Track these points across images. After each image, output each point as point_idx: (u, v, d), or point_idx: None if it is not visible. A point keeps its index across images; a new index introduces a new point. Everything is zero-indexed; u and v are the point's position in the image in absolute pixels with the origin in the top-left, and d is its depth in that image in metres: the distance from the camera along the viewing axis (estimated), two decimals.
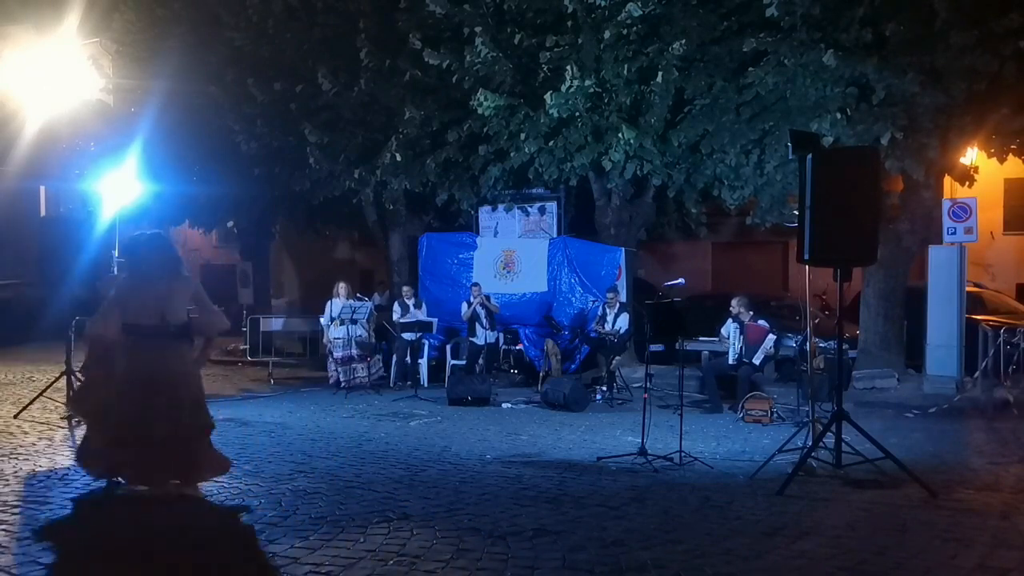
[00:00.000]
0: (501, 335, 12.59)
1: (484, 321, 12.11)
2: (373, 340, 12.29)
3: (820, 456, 6.14)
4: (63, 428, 8.11)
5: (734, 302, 10.02)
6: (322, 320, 12.14)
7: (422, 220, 15.35)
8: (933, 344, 10.75)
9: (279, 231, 20.56)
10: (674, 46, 10.05)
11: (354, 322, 11.72)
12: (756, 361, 9.75)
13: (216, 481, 5.56)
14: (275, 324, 15.07)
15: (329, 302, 12.02)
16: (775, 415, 8.96)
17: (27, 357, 14.75)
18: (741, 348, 9.83)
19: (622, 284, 12.52)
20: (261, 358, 13.90)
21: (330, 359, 11.91)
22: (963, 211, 10.69)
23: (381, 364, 12.30)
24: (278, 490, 5.58)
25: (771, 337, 9.79)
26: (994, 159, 10.77)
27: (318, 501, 5.31)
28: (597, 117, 11.07)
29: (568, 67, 10.43)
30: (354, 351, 11.73)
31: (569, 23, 10.63)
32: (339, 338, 11.75)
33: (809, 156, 5.88)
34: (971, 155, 11.71)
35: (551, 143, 11.42)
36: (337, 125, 12.67)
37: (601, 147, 11.32)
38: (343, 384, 11.44)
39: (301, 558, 4.16)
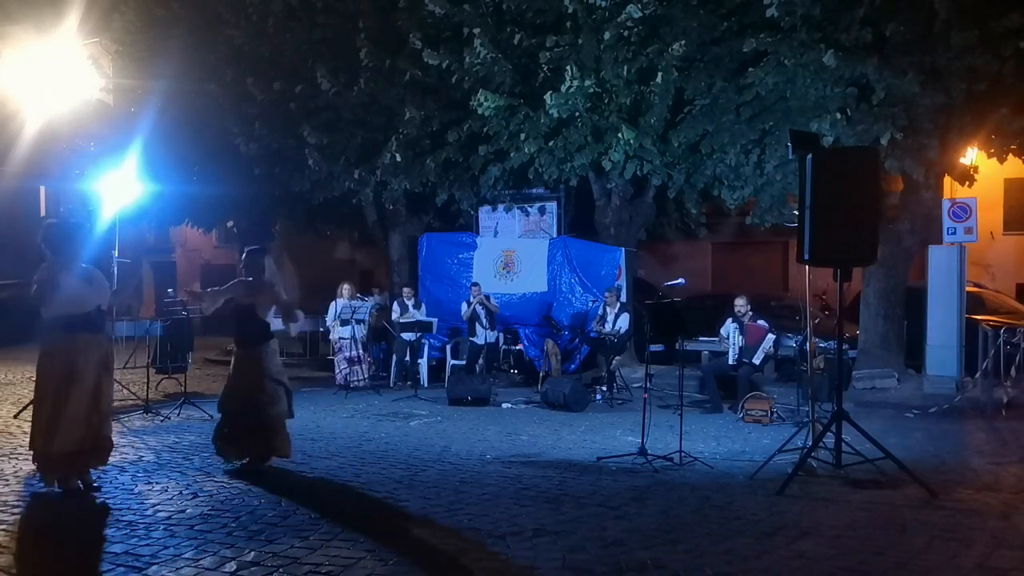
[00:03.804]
0: (501, 335, 12.60)
1: (484, 321, 12.12)
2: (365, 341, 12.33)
3: (820, 456, 6.14)
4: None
5: (739, 302, 10.00)
6: (327, 320, 12.22)
7: (422, 220, 15.35)
8: (933, 344, 10.75)
9: (279, 231, 20.55)
10: (674, 47, 10.05)
11: (358, 322, 11.74)
12: (756, 361, 9.75)
13: (216, 481, 5.56)
14: (275, 324, 15.04)
15: (333, 302, 12.06)
16: (775, 415, 8.96)
17: (27, 357, 14.64)
18: (741, 348, 9.82)
19: (622, 284, 12.53)
20: None
21: (337, 359, 11.95)
22: (963, 211, 10.69)
23: (371, 363, 12.32)
24: (278, 490, 5.58)
25: (771, 337, 9.78)
26: (994, 159, 10.76)
27: (318, 501, 5.31)
28: (597, 117, 11.07)
29: (568, 67, 10.43)
30: (358, 352, 11.76)
31: (569, 23, 10.63)
32: (345, 338, 11.80)
33: (809, 156, 5.88)
34: (971, 155, 11.70)
35: (551, 143, 11.42)
36: (337, 125, 12.66)
37: (601, 147, 11.32)
38: (350, 384, 11.47)
39: (301, 558, 4.16)
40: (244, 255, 6.62)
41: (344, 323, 11.74)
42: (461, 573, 4.00)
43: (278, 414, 6.29)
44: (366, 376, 11.74)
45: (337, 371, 11.90)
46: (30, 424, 5.64)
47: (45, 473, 5.48)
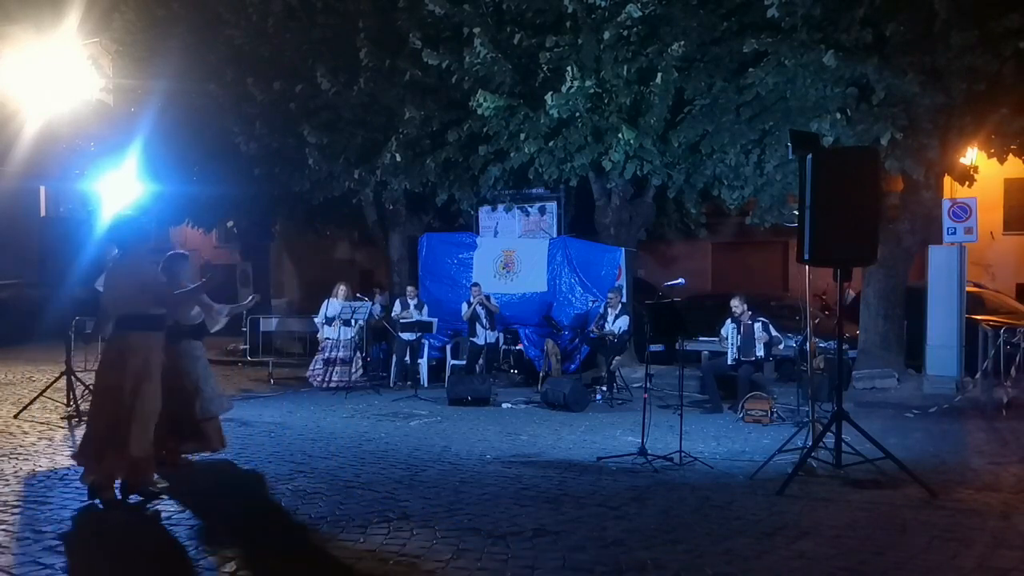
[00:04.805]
0: (501, 335, 12.60)
1: (484, 321, 12.11)
2: (359, 341, 12.34)
3: (820, 456, 6.15)
4: (63, 428, 8.12)
5: (735, 302, 10.00)
6: (316, 319, 12.22)
7: (422, 220, 15.35)
8: (933, 344, 10.75)
9: (279, 231, 20.55)
10: (674, 47, 10.05)
11: (350, 324, 11.74)
12: (759, 354, 9.73)
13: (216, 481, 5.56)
14: (275, 324, 15.10)
15: (326, 302, 12.05)
16: (775, 415, 8.96)
17: (27, 357, 14.75)
18: (739, 348, 9.82)
19: (622, 284, 12.53)
20: (261, 358, 13.91)
21: (315, 358, 11.96)
22: (963, 211, 10.69)
23: (361, 365, 12.32)
24: (278, 490, 5.59)
25: (758, 326, 9.76)
26: (994, 159, 10.76)
27: (318, 501, 5.32)
28: (597, 117, 11.06)
29: (568, 67, 10.43)
30: (341, 353, 11.77)
31: (569, 23, 10.63)
32: (329, 339, 11.82)
33: (809, 156, 5.88)
34: (971, 155, 11.70)
35: (551, 143, 11.42)
36: (337, 125, 12.66)
37: (601, 147, 11.32)
38: (326, 384, 11.50)
39: (300, 558, 4.16)
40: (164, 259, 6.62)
41: (346, 323, 11.74)
42: (461, 573, 4.00)
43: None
44: (348, 379, 11.65)
45: (310, 370, 11.90)
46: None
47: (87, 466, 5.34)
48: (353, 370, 11.90)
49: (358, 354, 12.19)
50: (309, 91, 12.51)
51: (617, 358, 11.14)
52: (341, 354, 11.83)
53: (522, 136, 11.31)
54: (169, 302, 5.56)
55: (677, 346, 7.73)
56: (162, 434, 6.05)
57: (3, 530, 4.63)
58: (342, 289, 12.09)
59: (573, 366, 12.26)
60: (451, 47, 11.26)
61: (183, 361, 6.34)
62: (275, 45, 13.02)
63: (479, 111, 10.97)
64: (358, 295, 12.59)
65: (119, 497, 5.26)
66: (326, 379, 11.68)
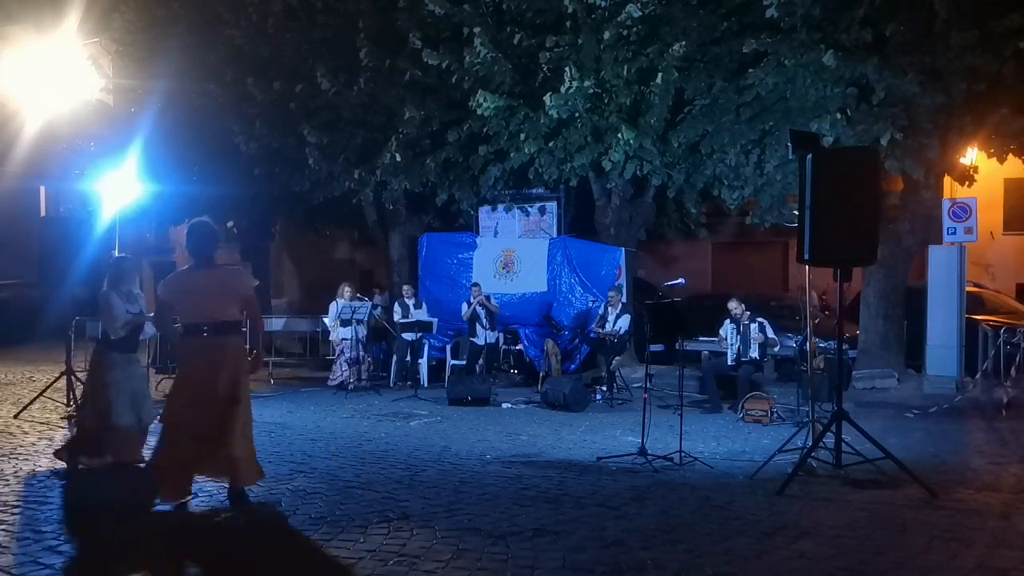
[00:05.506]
0: (501, 335, 12.60)
1: (484, 321, 12.12)
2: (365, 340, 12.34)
3: (820, 456, 6.14)
4: (63, 428, 8.12)
5: (732, 304, 10.02)
6: (327, 321, 12.22)
7: (422, 220, 15.35)
8: (933, 344, 10.75)
9: (279, 231, 20.54)
10: (674, 47, 10.06)
11: (359, 322, 11.74)
12: (754, 355, 9.74)
13: (217, 481, 5.54)
14: (275, 324, 15.09)
15: (334, 303, 12.06)
16: (775, 415, 8.96)
17: (27, 357, 14.76)
18: (739, 348, 9.83)
19: (623, 284, 12.53)
20: None
21: (339, 361, 11.92)
22: (963, 211, 10.69)
23: (370, 363, 12.31)
24: (278, 490, 5.58)
25: (754, 326, 9.76)
26: (994, 159, 10.76)
27: (318, 501, 5.32)
28: (597, 118, 11.07)
29: (568, 68, 10.43)
30: (358, 352, 11.77)
31: (569, 23, 10.63)
32: (347, 339, 11.80)
33: (809, 156, 5.88)
34: (971, 155, 11.70)
35: (551, 143, 11.42)
36: (337, 125, 12.67)
37: (601, 147, 11.32)
38: (349, 385, 11.47)
39: (301, 558, 4.16)
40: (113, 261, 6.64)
41: (345, 323, 11.74)
42: (461, 573, 4.00)
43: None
44: (364, 377, 11.73)
45: (337, 372, 11.87)
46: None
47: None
48: (364, 367, 11.90)
49: (365, 353, 12.19)
50: (309, 91, 12.50)
51: (617, 358, 11.14)
52: (361, 353, 11.81)
53: (522, 136, 11.32)
54: (256, 312, 5.47)
55: (677, 346, 7.73)
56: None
57: (3, 530, 4.63)
58: (347, 290, 12.07)
59: (573, 366, 12.27)
60: (451, 47, 11.26)
61: (112, 372, 6.32)
62: (275, 45, 13.02)
63: (479, 111, 10.97)
64: (358, 295, 12.59)
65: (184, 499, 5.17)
66: (358, 379, 11.52)
